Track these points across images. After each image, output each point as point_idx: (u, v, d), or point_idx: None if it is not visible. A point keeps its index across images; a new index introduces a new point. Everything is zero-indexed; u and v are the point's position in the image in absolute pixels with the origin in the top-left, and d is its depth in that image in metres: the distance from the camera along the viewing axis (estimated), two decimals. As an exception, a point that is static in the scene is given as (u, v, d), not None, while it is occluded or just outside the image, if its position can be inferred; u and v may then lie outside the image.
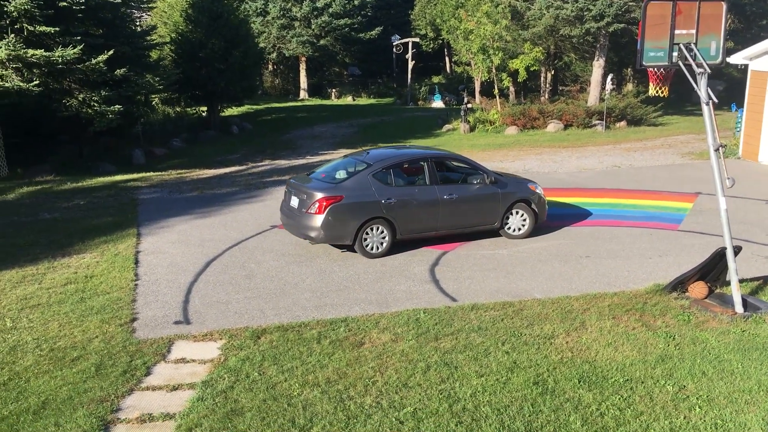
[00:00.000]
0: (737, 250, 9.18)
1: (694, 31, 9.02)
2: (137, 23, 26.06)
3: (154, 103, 28.29)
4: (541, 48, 32.37)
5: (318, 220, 10.99)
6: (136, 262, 11.23)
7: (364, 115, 37.40)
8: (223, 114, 31.99)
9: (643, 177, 18.24)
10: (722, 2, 9.19)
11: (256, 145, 27.06)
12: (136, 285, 10.10)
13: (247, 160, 23.42)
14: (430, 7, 46.44)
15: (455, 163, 12.64)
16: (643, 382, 7.03)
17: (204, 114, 31.36)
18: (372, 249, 11.32)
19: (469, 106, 32.91)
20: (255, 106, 39.71)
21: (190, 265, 11.06)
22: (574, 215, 14.18)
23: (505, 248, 11.91)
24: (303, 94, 47.00)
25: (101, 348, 7.90)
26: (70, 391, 6.88)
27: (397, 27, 49.35)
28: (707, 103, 8.94)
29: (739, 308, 8.80)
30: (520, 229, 12.44)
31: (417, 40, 46.05)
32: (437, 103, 42.85)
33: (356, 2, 46.15)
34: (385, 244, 11.39)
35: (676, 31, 8.98)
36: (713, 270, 9.49)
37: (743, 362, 7.46)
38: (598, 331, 8.30)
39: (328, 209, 10.97)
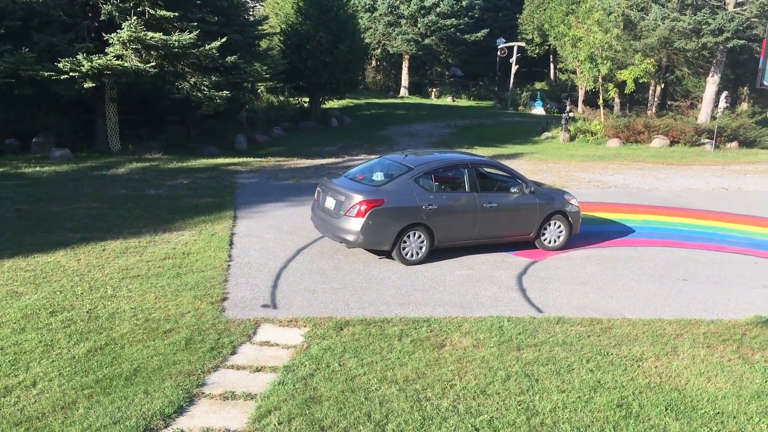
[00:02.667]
0: None
1: (824, 52, 8.47)
2: (251, 13, 26.88)
3: (259, 91, 29.11)
4: (652, 60, 31.23)
5: (357, 223, 10.56)
6: (231, 243, 11.61)
7: (462, 116, 37.20)
8: (323, 106, 32.55)
9: (753, 201, 17.31)
10: None
11: (353, 138, 27.41)
12: (228, 266, 10.44)
13: (344, 152, 23.75)
14: (539, 12, 45.66)
15: (495, 171, 12.32)
16: (735, 417, 6.67)
17: (305, 105, 32.02)
18: (410, 256, 10.95)
19: (571, 114, 32.17)
20: (355, 101, 40.21)
21: (281, 251, 11.33)
22: (673, 235, 13.62)
23: (597, 264, 11.58)
24: (403, 92, 47.22)
25: (192, 323, 8.22)
26: (161, 362, 7.20)
27: (503, 30, 48.80)
28: (832, 130, 8.37)
29: None
30: (555, 241, 12.18)
31: (523, 44, 45.39)
32: (538, 110, 42.10)
33: (464, 3, 45.91)
34: (423, 251, 11.03)
35: (804, 51, 8.46)
36: (823, 307, 8.89)
37: None
38: (691, 359, 7.94)
39: (368, 213, 10.54)
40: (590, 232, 13.22)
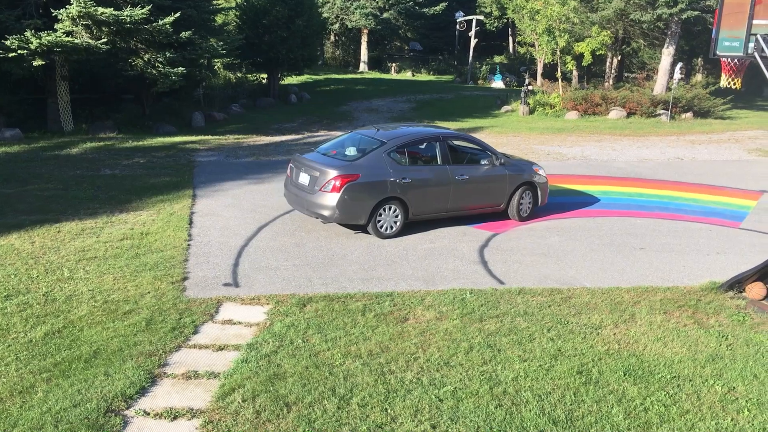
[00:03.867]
0: (801, 253, 8.83)
1: (774, 22, 8.63)
2: (204, -13, 26.25)
3: (216, 67, 28.62)
4: (608, 32, 31.49)
5: (333, 198, 10.54)
6: (190, 222, 11.46)
7: (422, 91, 37.15)
8: (282, 82, 32.17)
9: (707, 171, 17.69)
10: (807, -7, 8.76)
11: (313, 114, 27.19)
12: (189, 245, 10.31)
13: (304, 129, 23.56)
14: (497, -15, 45.62)
15: (465, 143, 12.47)
16: (691, 381, 6.86)
17: (264, 81, 31.60)
18: (385, 229, 11.03)
19: (530, 87, 32.35)
20: (314, 76, 39.82)
21: (241, 229, 11.23)
22: (630, 205, 13.86)
23: (557, 235, 11.73)
24: (363, 67, 46.91)
25: (152, 304, 8.11)
26: (121, 343, 7.09)
27: (461, 4, 48.68)
28: (782, 98, 8.56)
29: (798, 313, 8.49)
30: (526, 211, 12.44)
31: (481, 17, 45.37)
32: (497, 84, 42.25)
33: (422, -24, 45.62)
34: (398, 224, 11.14)
35: (755, 21, 8.61)
36: (774, 272, 9.16)
37: (798, 369, 7.21)
38: (648, 325, 8.12)
39: (344, 188, 10.52)
40: (550, 203, 13.36)
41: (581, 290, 9.18)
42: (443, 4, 45.82)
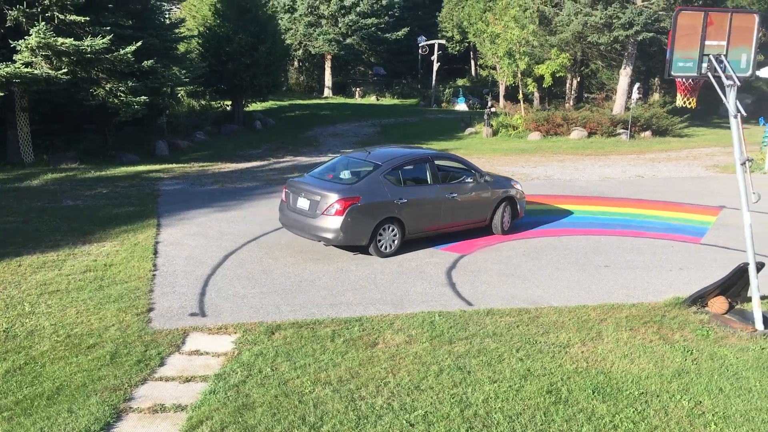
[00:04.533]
0: (760, 267, 9.04)
1: (724, 43, 8.89)
2: (166, 15, 26.24)
3: (179, 95, 28.48)
4: (567, 54, 32.17)
5: (337, 221, 10.84)
6: (155, 252, 11.31)
7: (387, 115, 37.37)
8: (247, 109, 32.12)
9: (667, 188, 18.05)
10: (755, 15, 9.07)
11: (278, 140, 27.15)
12: (154, 275, 10.16)
13: (269, 155, 23.50)
14: (458, 10, 46.33)
15: (452, 163, 13.03)
16: (658, 396, 6.94)
17: (228, 108, 31.52)
18: (385, 249, 11.39)
19: (493, 110, 32.78)
20: (279, 102, 39.84)
21: (208, 257, 11.11)
22: (594, 224, 14.06)
23: (524, 255, 11.84)
24: (327, 92, 47.09)
25: (117, 336, 7.96)
26: (85, 378, 6.94)
27: (423, 28, 49.29)
28: (735, 116, 8.81)
29: (759, 325, 8.66)
30: (507, 224, 13.05)
31: (443, 42, 45.95)
32: (461, 106, 42.72)
33: (384, 2, 46.10)
34: (396, 243, 11.50)
35: (707, 42, 8.86)
36: (734, 285, 9.36)
37: (761, 380, 7.34)
38: (615, 342, 8.21)
39: (347, 211, 10.85)
40: (516, 223, 13.50)
41: (548, 309, 9.26)
42: (405, 29, 46.34)
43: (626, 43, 30.42)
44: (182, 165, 20.44)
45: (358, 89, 48.21)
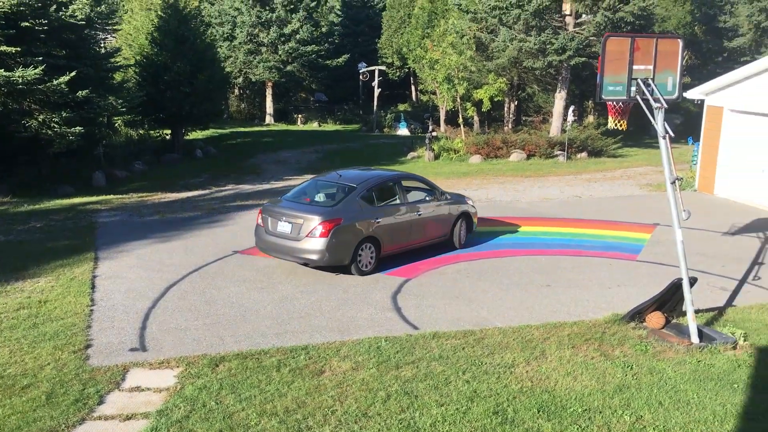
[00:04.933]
0: (693, 281, 9.36)
1: (651, 67, 9.27)
2: (102, 45, 25.82)
3: (116, 125, 27.96)
4: (504, 79, 32.90)
5: (322, 243, 11.25)
6: (93, 286, 11.00)
7: (329, 141, 37.44)
8: (187, 137, 31.73)
9: (604, 207, 18.55)
10: (678, 40, 9.48)
11: (220, 169, 26.86)
12: (91, 311, 9.87)
13: (211, 184, 23.21)
14: (397, 37, 46.99)
15: (416, 183, 13.78)
16: (601, 412, 7.07)
17: (168, 137, 31.07)
18: (364, 267, 11.86)
19: (434, 134, 33.22)
20: (220, 130, 39.48)
21: (148, 290, 10.86)
22: (535, 244, 14.32)
23: (468, 277, 11.97)
24: (269, 119, 46.91)
25: (53, 376, 7.68)
26: (19, 421, 6.67)
27: (364, 55, 49.74)
28: (664, 137, 9.16)
29: (695, 339, 8.94)
30: (463, 238, 13.89)
31: (383, 68, 46.44)
32: (403, 131, 43.13)
33: (324, 30, 46.40)
34: (373, 261, 11.99)
35: (635, 67, 9.22)
36: (670, 300, 9.65)
37: (699, 392, 7.57)
38: (558, 361, 8.35)
39: (331, 232, 11.26)
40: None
41: (493, 330, 9.36)
42: (346, 56, 46.68)
43: (560, 67, 31.32)
44: (120, 196, 20.00)
45: (300, 116, 48.19)
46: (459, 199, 14.05)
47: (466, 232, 13.99)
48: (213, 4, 45.17)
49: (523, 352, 8.59)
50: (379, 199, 12.37)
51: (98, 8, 22.24)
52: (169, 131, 30.83)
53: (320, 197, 12.40)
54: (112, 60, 24.14)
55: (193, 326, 9.33)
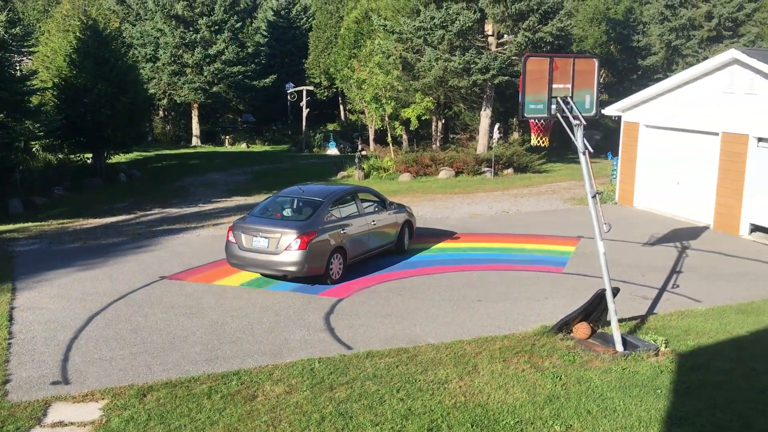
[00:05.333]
0: (616, 292, 9.67)
1: (570, 86, 9.60)
2: (17, 68, 24.93)
3: (34, 149, 26.96)
4: (431, 98, 33.41)
5: (300, 255, 11.85)
6: (11, 319, 10.52)
7: (258, 162, 37.10)
8: (110, 161, 30.87)
9: (530, 222, 18.99)
10: (594, 59, 9.86)
11: (145, 193, 26.22)
12: (9, 344, 9.44)
13: (136, 208, 22.61)
14: (324, 57, 47.14)
15: (369, 195, 14.78)
16: (532, 423, 7.20)
17: (89, 161, 30.14)
18: (335, 275, 12.56)
19: (364, 153, 33.37)
20: (144, 153, 38.60)
21: (70, 320, 10.46)
22: (465, 260, 14.52)
23: (399, 295, 12.02)
24: (195, 141, 46.15)
25: (-32, 415, 7.29)
26: (-70, 465, 6.29)
27: (291, 75, 49.64)
28: (584, 153, 9.48)
29: (619, 347, 9.22)
30: (407, 244, 15.09)
31: (311, 88, 46.45)
32: (332, 150, 43.17)
33: (250, 50, 46.07)
34: (341, 270, 12.74)
35: (554, 85, 9.53)
36: (595, 311, 9.94)
37: (624, 399, 7.80)
38: (490, 374, 8.46)
39: (308, 244, 11.89)
40: (390, 263, 13.70)
41: (426, 347, 9.42)
42: (273, 76, 46.47)
43: (484, 86, 32.04)
44: (39, 223, 19.25)
45: (227, 137, 47.58)
46: (402, 208, 15.22)
47: (409, 238, 15.17)
48: (134, 25, 44.28)
49: (456, 367, 8.67)
50: (342, 212, 13.17)
51: (13, 30, 21.51)
52: (90, 155, 29.91)
53: (288, 212, 13.11)
54: (28, 83, 23.38)
55: (118, 356, 9.03)
